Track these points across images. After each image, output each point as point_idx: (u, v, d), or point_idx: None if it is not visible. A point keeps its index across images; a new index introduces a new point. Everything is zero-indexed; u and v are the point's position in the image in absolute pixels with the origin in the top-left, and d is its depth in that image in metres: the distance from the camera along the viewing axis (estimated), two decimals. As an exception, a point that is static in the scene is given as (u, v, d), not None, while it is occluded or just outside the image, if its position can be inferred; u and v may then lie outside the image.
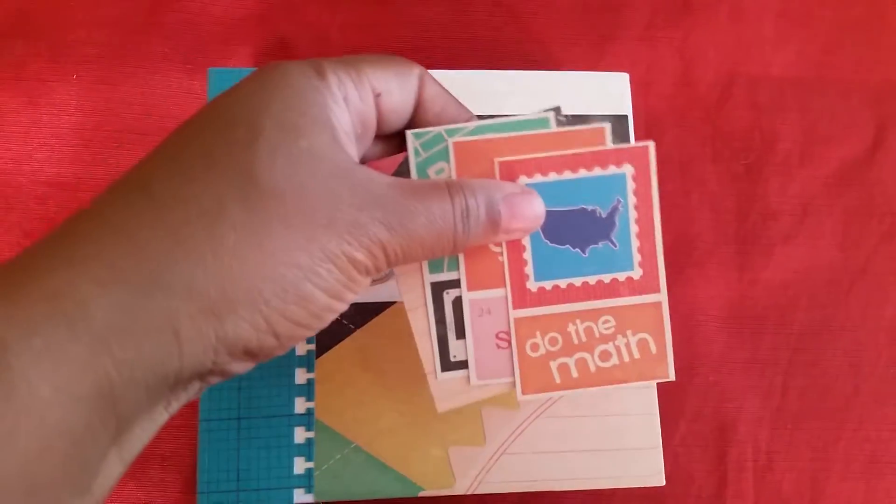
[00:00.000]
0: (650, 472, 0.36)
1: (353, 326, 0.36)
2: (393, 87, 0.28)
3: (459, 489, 0.35)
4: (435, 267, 0.30)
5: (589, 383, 0.32)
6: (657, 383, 0.37)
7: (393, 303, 0.36)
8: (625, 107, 0.39)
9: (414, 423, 0.35)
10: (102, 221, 0.22)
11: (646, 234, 0.31)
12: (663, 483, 0.37)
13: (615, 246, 0.31)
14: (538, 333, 0.31)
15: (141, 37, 0.44)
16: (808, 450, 0.41)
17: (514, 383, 0.31)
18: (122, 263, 0.21)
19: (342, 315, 0.34)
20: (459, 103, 0.30)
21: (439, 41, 0.45)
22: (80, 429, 0.20)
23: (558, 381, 0.32)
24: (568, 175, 0.30)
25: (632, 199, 0.31)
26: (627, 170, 0.31)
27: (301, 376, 0.35)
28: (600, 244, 0.31)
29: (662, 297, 0.32)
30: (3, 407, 0.18)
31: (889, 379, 0.42)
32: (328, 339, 0.36)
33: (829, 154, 0.45)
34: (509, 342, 0.31)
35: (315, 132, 0.24)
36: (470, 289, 0.31)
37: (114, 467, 0.22)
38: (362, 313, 0.36)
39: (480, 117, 0.35)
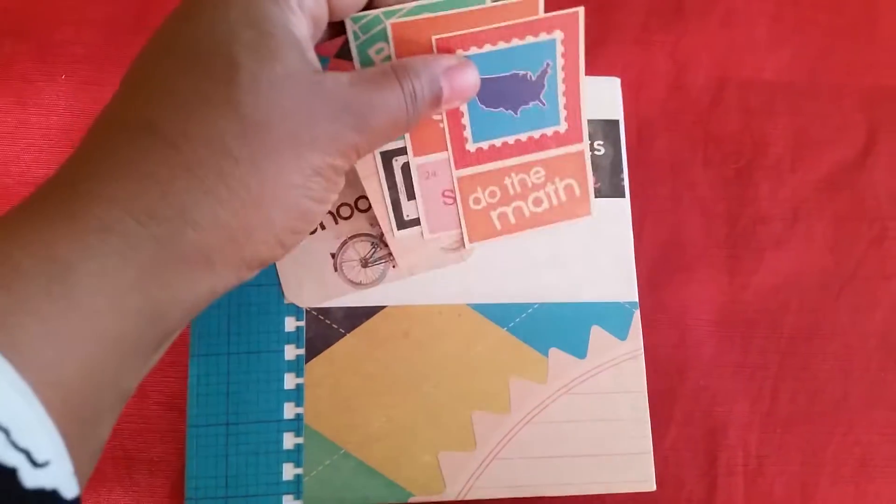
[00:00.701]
0: (641, 477, 0.36)
1: (342, 331, 0.36)
2: None
3: (450, 495, 0.34)
4: None
5: (525, 227, 0.37)
6: (646, 390, 0.37)
7: (382, 307, 0.36)
8: (616, 112, 0.39)
9: (404, 428, 0.35)
10: (124, 162, 0.24)
11: (571, 92, 0.35)
12: (654, 488, 0.37)
13: (544, 105, 0.35)
14: (479, 188, 0.36)
15: (130, 37, 0.44)
16: (799, 454, 0.41)
17: (461, 233, 0.36)
18: (155, 205, 0.23)
19: (332, 319, 0.34)
20: None
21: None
22: (131, 339, 0.23)
23: (499, 227, 0.36)
24: (502, 45, 0.33)
25: (560, 62, 0.34)
26: (557, 35, 0.33)
27: (290, 381, 0.35)
28: (530, 104, 0.34)
29: (584, 146, 0.36)
30: (69, 315, 0.21)
31: (879, 383, 0.42)
32: (318, 343, 0.35)
33: (820, 159, 0.45)
34: (454, 199, 0.36)
35: (285, 52, 0.26)
36: (416, 154, 0.35)
37: (147, 370, 0.25)
38: (351, 318, 0.36)
39: None
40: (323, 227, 0.36)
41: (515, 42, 0.33)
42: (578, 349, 0.37)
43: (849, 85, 0.46)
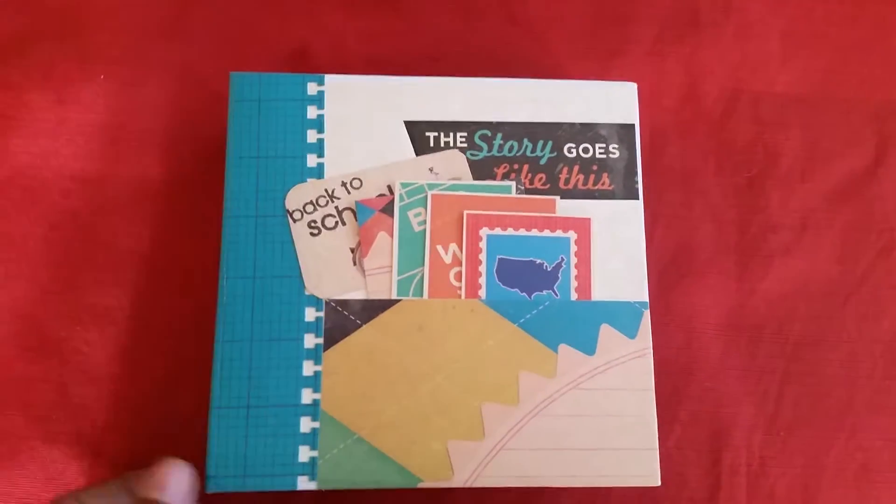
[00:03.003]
0: (646, 472, 0.37)
1: (359, 322, 0.37)
2: None
3: (457, 482, 0.36)
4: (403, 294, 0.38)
5: None
6: (653, 388, 0.38)
7: (398, 300, 0.37)
8: (632, 116, 0.41)
9: (415, 416, 0.36)
10: None
11: (583, 291, 0.38)
12: (658, 483, 0.38)
13: (556, 296, 0.38)
14: None
15: (165, 41, 0.46)
16: (801, 456, 0.42)
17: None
18: None
19: (349, 311, 0.36)
20: None
21: (452, 50, 0.47)
22: None
23: None
24: (523, 232, 0.38)
25: (573, 259, 0.38)
26: (571, 235, 0.38)
27: (308, 368, 0.37)
28: (544, 292, 0.38)
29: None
30: None
31: (883, 390, 0.43)
32: (336, 333, 0.37)
33: (830, 170, 0.46)
34: None
35: None
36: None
37: None
38: (368, 310, 0.37)
39: (488, 125, 0.38)
40: (343, 223, 0.38)
41: (535, 232, 0.38)
42: (588, 346, 0.38)
43: (859, 99, 0.47)
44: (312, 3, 0.47)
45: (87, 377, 0.41)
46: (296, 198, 0.38)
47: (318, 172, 0.39)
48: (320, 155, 0.39)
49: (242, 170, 0.38)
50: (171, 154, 0.44)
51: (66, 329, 0.42)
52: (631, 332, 0.38)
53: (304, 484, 0.35)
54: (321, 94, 0.39)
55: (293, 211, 0.38)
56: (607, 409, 0.37)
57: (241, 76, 0.39)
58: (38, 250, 0.43)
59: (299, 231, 0.38)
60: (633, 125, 0.40)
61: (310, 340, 0.37)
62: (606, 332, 0.38)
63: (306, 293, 0.37)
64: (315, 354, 0.37)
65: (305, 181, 0.38)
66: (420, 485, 0.36)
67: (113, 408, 0.41)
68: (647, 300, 0.39)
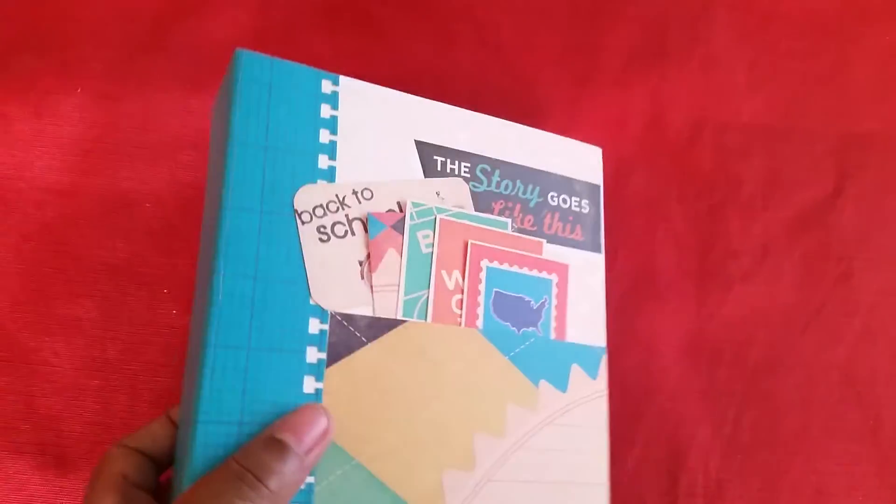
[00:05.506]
0: None
1: (364, 340, 0.35)
2: None
3: None
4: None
5: None
6: (607, 427, 0.39)
7: (404, 321, 0.36)
8: (597, 178, 0.43)
9: (413, 444, 0.35)
10: None
11: (560, 331, 0.39)
12: None
13: (540, 332, 0.39)
14: None
15: (144, 55, 0.47)
16: (758, 479, 0.43)
17: None
18: None
19: (355, 327, 0.35)
20: None
21: (425, 74, 0.48)
22: None
23: None
24: (516, 269, 0.39)
25: (553, 301, 0.39)
26: (553, 278, 0.40)
27: (309, 385, 0.33)
28: (531, 328, 0.39)
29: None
30: None
31: (838, 415, 0.44)
32: (340, 349, 0.34)
33: (790, 199, 0.48)
34: None
35: None
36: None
37: None
38: (374, 328, 0.35)
39: (489, 161, 0.40)
40: (353, 234, 0.36)
41: (525, 270, 0.39)
42: (561, 383, 0.39)
43: (821, 130, 0.49)
44: (289, 24, 0.48)
45: (55, 388, 0.41)
46: (306, 198, 0.35)
47: (329, 175, 0.36)
48: (332, 157, 0.36)
49: (248, 158, 0.34)
50: (145, 168, 0.45)
51: (35, 340, 0.42)
52: (594, 372, 0.40)
53: None
54: (335, 94, 0.37)
55: (302, 212, 0.35)
56: (576, 444, 0.38)
57: (251, 55, 0.35)
58: (10, 261, 0.43)
59: (308, 235, 0.35)
60: (598, 186, 0.42)
61: (312, 354, 0.34)
62: (576, 372, 0.39)
63: (311, 302, 0.34)
64: (317, 370, 0.34)
65: (315, 182, 0.35)
66: None
67: (80, 419, 0.41)
68: (605, 345, 0.40)
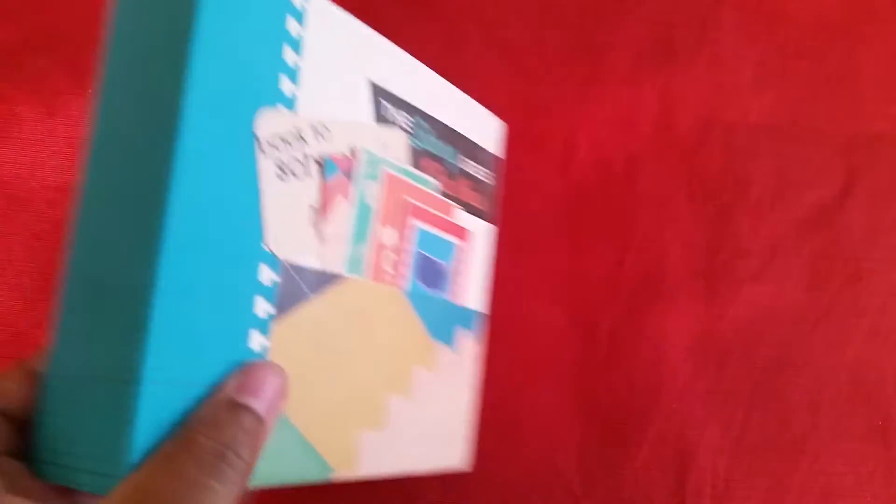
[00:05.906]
0: (457, 457, 0.41)
1: (309, 293, 0.32)
2: None
3: (362, 472, 0.34)
4: None
5: None
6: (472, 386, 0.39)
7: (348, 277, 0.34)
8: (500, 151, 0.44)
9: (340, 404, 0.33)
10: None
11: (462, 295, 0.41)
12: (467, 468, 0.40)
13: (445, 296, 0.40)
14: None
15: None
16: (765, 479, 0.43)
17: None
18: None
19: (303, 279, 0.31)
20: None
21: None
22: None
23: None
24: (436, 231, 0.39)
25: (458, 266, 0.40)
26: (461, 244, 0.40)
27: (256, 341, 0.29)
28: (439, 292, 0.39)
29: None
30: None
31: (847, 416, 0.44)
32: (286, 302, 0.31)
33: (799, 199, 0.47)
34: None
35: None
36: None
37: None
38: (321, 282, 0.32)
39: (429, 119, 0.38)
40: (309, 175, 0.32)
41: (442, 234, 0.39)
42: (455, 345, 0.40)
43: (830, 130, 0.49)
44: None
45: (66, 385, 0.42)
46: (267, 126, 0.30)
47: (290, 104, 0.30)
48: (294, 81, 0.31)
49: (209, 72, 0.27)
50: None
51: (47, 338, 0.42)
52: (478, 336, 0.42)
53: None
54: (304, 10, 0.31)
55: (263, 141, 0.29)
56: (454, 401, 0.41)
57: None
58: (22, 259, 0.43)
59: (267, 169, 0.30)
60: (502, 159, 0.44)
61: (260, 306, 0.29)
62: (466, 335, 0.41)
63: (263, 247, 0.29)
64: (263, 325, 0.30)
65: (275, 106, 0.30)
66: (332, 476, 0.33)
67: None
68: (487, 312, 0.43)
